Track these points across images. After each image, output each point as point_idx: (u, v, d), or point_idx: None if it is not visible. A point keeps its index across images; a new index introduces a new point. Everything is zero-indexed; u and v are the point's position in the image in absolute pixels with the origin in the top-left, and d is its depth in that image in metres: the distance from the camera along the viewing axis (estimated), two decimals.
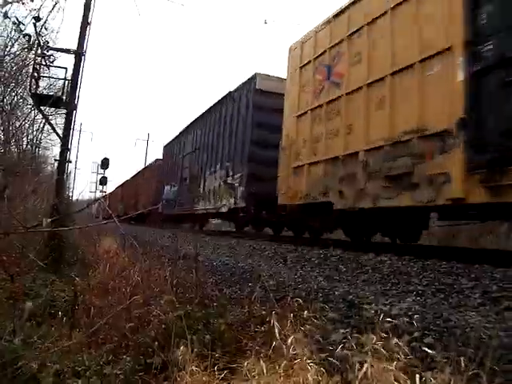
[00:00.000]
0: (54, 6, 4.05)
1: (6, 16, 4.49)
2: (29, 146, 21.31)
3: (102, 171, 36.14)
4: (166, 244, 10.42)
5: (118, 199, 38.69)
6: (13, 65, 9.51)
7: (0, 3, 3.87)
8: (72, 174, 30.47)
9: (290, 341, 2.66)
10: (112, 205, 38.31)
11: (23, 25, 4.62)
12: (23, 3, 3.93)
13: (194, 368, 2.61)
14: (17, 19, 4.53)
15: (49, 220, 3.47)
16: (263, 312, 3.63)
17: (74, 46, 9.64)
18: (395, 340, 2.37)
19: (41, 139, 23.79)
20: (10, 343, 2.93)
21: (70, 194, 18.20)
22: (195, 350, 2.80)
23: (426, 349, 2.45)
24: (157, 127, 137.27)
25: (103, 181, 35.39)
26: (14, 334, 3.12)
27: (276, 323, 2.88)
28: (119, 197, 38.82)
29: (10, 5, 3.99)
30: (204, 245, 10.53)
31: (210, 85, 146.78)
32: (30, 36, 4.57)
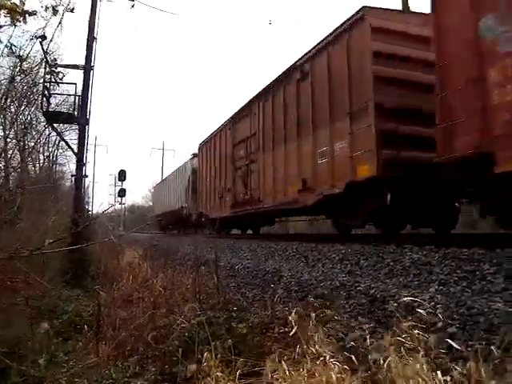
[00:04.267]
0: (58, 24, 4.08)
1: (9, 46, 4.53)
2: (45, 164, 21.62)
3: (119, 183, 36.21)
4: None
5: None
6: (23, 84, 9.65)
7: None
8: (90, 188, 30.74)
9: (312, 341, 2.66)
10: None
11: (15, 47, 4.61)
12: (15, 26, 3.93)
13: (218, 374, 2.63)
14: (9, 43, 4.56)
15: (51, 241, 3.38)
16: (286, 313, 3.63)
17: (81, 61, 9.71)
18: (418, 332, 2.36)
19: (57, 156, 24.12)
20: (34, 364, 2.95)
21: (89, 208, 18.28)
22: (219, 355, 2.81)
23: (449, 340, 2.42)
24: (171, 135, 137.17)
25: (121, 193, 35.59)
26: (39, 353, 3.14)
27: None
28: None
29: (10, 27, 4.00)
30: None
31: (222, 87, 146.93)
32: (21, 56, 4.60)
